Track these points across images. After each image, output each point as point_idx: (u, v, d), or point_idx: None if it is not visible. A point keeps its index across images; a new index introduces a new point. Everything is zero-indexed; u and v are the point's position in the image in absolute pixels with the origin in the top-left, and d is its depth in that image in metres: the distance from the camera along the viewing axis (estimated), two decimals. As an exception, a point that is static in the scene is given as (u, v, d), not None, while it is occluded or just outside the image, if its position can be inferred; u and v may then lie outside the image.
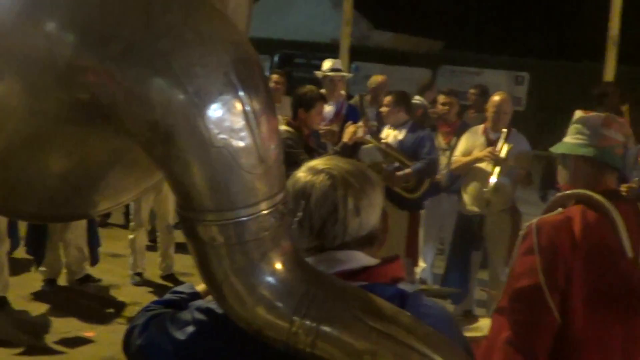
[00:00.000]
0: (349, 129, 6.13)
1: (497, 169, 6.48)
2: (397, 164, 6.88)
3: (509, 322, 2.84)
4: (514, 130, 6.86)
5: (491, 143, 6.75)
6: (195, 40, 1.47)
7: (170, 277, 7.52)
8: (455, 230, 7.26)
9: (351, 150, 6.20)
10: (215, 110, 1.44)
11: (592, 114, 3.01)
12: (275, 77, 8.74)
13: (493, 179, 6.44)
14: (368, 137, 6.75)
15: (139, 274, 7.53)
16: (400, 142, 7.03)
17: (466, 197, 7.01)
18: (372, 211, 1.82)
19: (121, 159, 1.81)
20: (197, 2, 1.56)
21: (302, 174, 1.85)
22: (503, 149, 6.56)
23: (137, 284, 7.44)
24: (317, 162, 1.88)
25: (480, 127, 6.99)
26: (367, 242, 1.84)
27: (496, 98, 6.91)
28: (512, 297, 2.85)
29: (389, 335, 1.51)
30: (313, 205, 1.79)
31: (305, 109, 5.88)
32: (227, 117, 1.45)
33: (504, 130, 6.67)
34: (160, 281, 7.54)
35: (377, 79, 8.93)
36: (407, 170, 6.82)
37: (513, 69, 21.09)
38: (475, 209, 6.92)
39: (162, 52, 1.45)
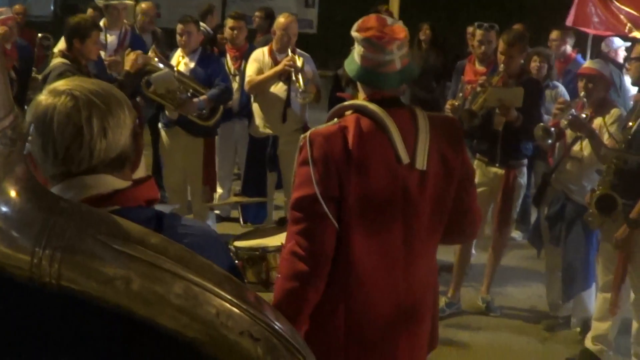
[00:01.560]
0: (130, 57, 6.00)
1: (300, 77, 6.65)
2: (191, 92, 6.76)
3: (291, 231, 2.88)
4: (299, 51, 6.95)
5: (277, 63, 6.84)
6: None
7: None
8: (248, 153, 7.30)
9: (134, 78, 6.05)
10: None
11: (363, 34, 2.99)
12: (90, 11, 8.74)
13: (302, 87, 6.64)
14: (160, 65, 6.60)
15: None
16: (193, 71, 6.92)
17: (258, 120, 7.06)
18: (120, 132, 1.72)
19: None
20: None
21: (43, 97, 1.72)
22: (297, 60, 6.68)
23: None
24: (59, 84, 1.75)
25: (265, 48, 7.04)
26: (117, 164, 1.74)
27: (282, 20, 6.98)
28: (292, 207, 2.88)
29: (138, 258, 1.43)
30: (56, 129, 1.67)
31: (80, 39, 5.66)
32: None
33: (289, 49, 6.76)
34: None
35: (142, 5, 8.88)
36: (203, 97, 6.72)
37: (303, -9, 21.16)
38: (267, 130, 7.00)
39: None
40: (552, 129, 5.55)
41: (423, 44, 9.41)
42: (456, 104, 6.28)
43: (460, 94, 6.43)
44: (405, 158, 2.87)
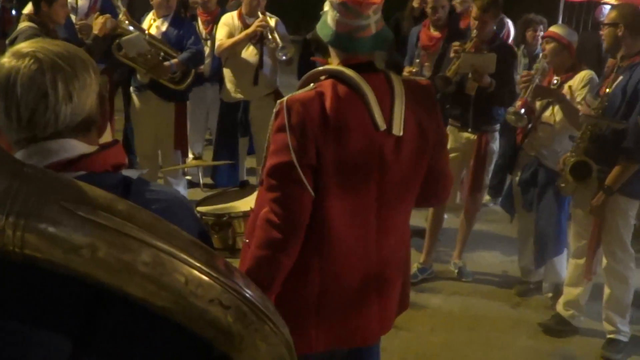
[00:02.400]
0: (98, 21, 5.91)
1: (276, 35, 6.69)
2: (162, 55, 6.69)
3: (266, 199, 2.85)
4: (269, 14, 6.93)
5: (247, 26, 6.82)
6: None
7: None
8: (220, 118, 7.27)
9: (102, 42, 5.97)
10: None
11: None
12: None
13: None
14: (130, 28, 6.51)
15: None
16: (164, 34, 6.85)
17: (229, 85, 7.02)
18: (86, 95, 1.68)
19: None
20: None
21: (6, 59, 1.66)
22: (269, 20, 6.67)
23: None
24: (22, 46, 1.69)
25: (235, 12, 7.01)
26: (83, 128, 1.69)
27: (251, -17, 6.90)
28: (268, 174, 2.83)
29: (104, 226, 1.40)
30: (19, 93, 1.62)
31: (47, 2, 5.59)
32: None
33: (259, 12, 6.75)
34: None
35: None
36: (175, 60, 6.65)
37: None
38: (239, 95, 6.97)
39: None
40: (522, 110, 5.54)
41: (415, 12, 9.30)
42: (413, 70, 6.26)
43: (417, 60, 6.41)
44: (382, 124, 2.84)
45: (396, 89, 2.90)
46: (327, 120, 2.78)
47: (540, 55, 5.66)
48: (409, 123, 2.90)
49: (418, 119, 2.93)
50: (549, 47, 5.51)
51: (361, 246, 2.97)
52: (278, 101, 2.86)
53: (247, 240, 2.99)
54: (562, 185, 5.14)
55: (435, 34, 6.77)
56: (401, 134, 2.87)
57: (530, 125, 5.73)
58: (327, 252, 2.92)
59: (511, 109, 5.59)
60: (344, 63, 2.92)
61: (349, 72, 2.86)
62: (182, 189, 7.00)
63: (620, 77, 4.88)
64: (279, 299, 2.91)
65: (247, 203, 3.84)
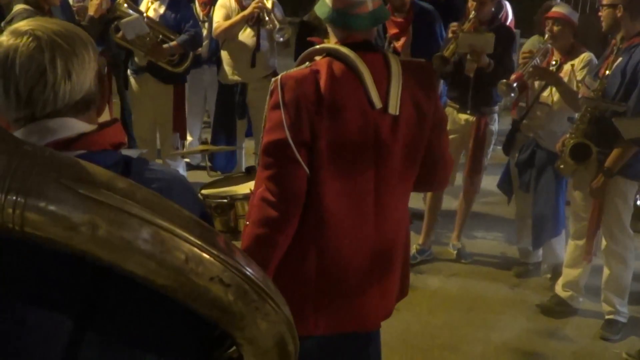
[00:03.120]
0: (93, 2, 5.89)
1: (273, 17, 6.66)
2: (160, 38, 6.66)
3: (262, 177, 2.85)
4: (265, -4, 6.91)
5: (244, 9, 6.79)
6: None
7: None
8: (218, 100, 7.24)
9: (98, 23, 5.95)
10: None
11: None
12: None
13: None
14: (130, 10, 6.48)
15: None
16: (162, 16, 6.81)
17: (227, 68, 7.00)
18: (84, 73, 1.67)
19: None
20: None
21: (4, 38, 1.65)
22: (267, 2, 6.67)
23: None
24: (21, 24, 1.68)
25: None
26: (82, 107, 1.68)
27: (247, -35, 6.87)
28: (263, 152, 2.84)
29: (103, 203, 1.39)
30: (18, 71, 1.61)
31: None
32: None
33: None
34: None
35: None
36: (173, 43, 6.63)
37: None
38: (236, 78, 6.95)
39: None
40: (515, 84, 5.53)
41: None
42: None
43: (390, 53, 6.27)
44: (377, 102, 2.83)
45: (393, 68, 2.90)
46: (322, 98, 2.77)
47: (547, 36, 5.62)
48: (406, 103, 2.89)
49: (416, 99, 2.93)
50: (557, 28, 5.47)
51: (359, 228, 2.95)
52: (273, 79, 2.86)
53: (248, 223, 2.98)
54: (561, 166, 5.14)
55: (400, 19, 6.54)
56: (397, 113, 2.86)
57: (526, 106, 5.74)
58: (325, 234, 2.91)
59: (504, 80, 5.56)
60: (341, 42, 2.93)
61: (345, 50, 2.86)
62: (181, 171, 7.00)
63: (620, 59, 4.87)
64: (276, 282, 2.90)
65: (250, 186, 3.85)
